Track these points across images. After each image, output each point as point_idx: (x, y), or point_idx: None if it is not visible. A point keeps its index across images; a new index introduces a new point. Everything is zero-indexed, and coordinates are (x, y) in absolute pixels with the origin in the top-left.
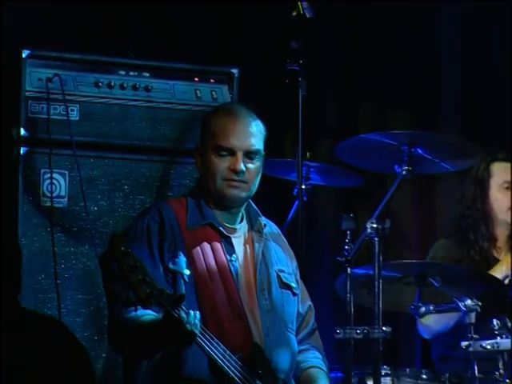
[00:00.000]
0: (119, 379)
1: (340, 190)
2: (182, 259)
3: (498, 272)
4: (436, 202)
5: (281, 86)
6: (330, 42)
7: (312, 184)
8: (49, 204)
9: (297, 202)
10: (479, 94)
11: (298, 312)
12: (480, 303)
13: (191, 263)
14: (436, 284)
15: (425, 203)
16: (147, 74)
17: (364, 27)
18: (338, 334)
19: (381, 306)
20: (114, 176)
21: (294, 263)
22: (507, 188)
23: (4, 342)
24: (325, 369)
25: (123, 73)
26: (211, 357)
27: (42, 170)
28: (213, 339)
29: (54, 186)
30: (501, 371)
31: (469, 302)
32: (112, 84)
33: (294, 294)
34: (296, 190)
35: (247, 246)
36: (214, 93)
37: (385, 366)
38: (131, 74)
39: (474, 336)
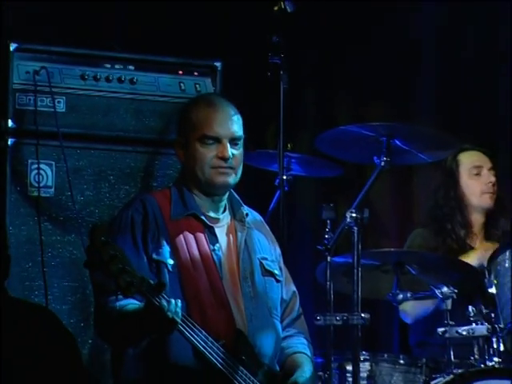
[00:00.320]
0: (105, 364)
1: (320, 180)
2: (166, 249)
3: (473, 260)
4: (413, 192)
5: (263, 78)
6: (309, 35)
7: (293, 174)
8: (36, 194)
9: (278, 192)
10: (455, 87)
11: (282, 298)
12: (456, 290)
13: (175, 253)
14: (413, 272)
15: (402, 193)
16: (132, 67)
17: (341, 20)
18: (318, 320)
19: (360, 293)
20: (100, 166)
21: (278, 250)
22: (476, 174)
23: None
24: (309, 354)
25: (109, 66)
26: (193, 344)
27: (30, 161)
28: (195, 326)
29: (41, 177)
30: (476, 356)
31: (445, 289)
32: (98, 77)
33: (278, 281)
34: (277, 180)
35: (230, 236)
36: (197, 85)
37: (364, 352)
38: (117, 67)
39: (450, 322)
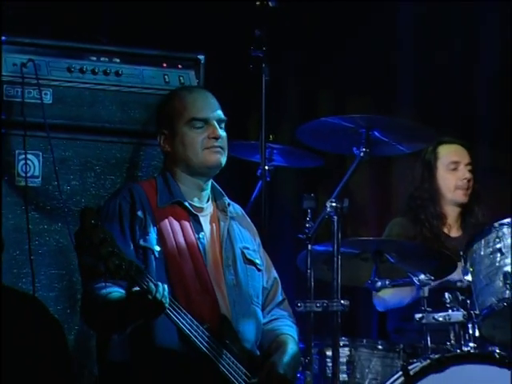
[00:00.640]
0: (91, 350)
1: (301, 170)
2: (153, 236)
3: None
4: (392, 183)
5: (245, 71)
6: (291, 29)
7: (275, 165)
8: (23, 184)
9: (260, 183)
10: (433, 79)
11: (263, 287)
12: (433, 278)
13: (161, 240)
14: (392, 260)
15: (381, 183)
16: (117, 60)
17: (324, 15)
18: (298, 307)
19: (339, 280)
20: (86, 157)
21: (258, 240)
22: (454, 169)
23: None
24: (294, 335)
25: (95, 58)
26: (179, 326)
27: (17, 151)
28: (181, 310)
29: (28, 167)
30: (452, 342)
31: (422, 276)
32: (84, 69)
33: (259, 270)
34: (259, 170)
35: (213, 225)
36: (181, 78)
37: (343, 338)
38: (102, 59)
39: (427, 309)
